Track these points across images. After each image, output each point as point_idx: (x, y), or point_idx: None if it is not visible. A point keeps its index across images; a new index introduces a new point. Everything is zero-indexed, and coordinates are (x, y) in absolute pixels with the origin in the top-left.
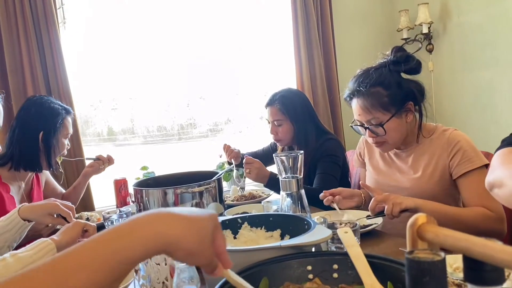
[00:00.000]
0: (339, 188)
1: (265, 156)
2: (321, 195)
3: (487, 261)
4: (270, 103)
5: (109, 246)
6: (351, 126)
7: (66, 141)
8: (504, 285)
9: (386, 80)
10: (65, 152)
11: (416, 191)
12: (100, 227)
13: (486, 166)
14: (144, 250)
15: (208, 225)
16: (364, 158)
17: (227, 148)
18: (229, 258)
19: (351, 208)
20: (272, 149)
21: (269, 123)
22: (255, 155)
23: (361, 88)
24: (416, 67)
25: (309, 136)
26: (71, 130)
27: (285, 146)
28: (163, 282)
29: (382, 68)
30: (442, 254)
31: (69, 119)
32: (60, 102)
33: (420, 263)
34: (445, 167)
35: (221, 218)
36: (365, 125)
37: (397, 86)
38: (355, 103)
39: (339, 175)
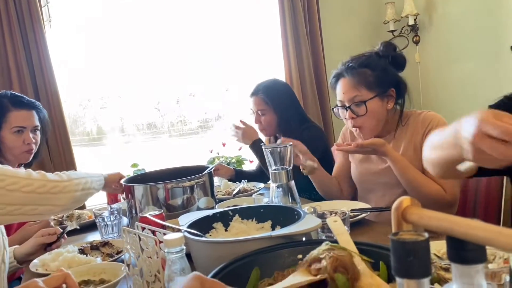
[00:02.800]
0: (297, 141)
1: (253, 176)
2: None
3: (469, 240)
4: (254, 93)
5: None
6: (332, 109)
7: (20, 136)
8: (490, 266)
9: (374, 63)
10: (32, 146)
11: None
12: (91, 225)
13: None
14: None
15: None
16: None
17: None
18: None
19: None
20: (258, 170)
21: (253, 113)
22: (245, 174)
23: (351, 64)
24: (401, 61)
25: (292, 125)
26: (24, 124)
27: (270, 136)
28: (155, 275)
29: (372, 54)
30: (426, 234)
31: (20, 113)
32: (9, 95)
33: (404, 244)
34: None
35: (212, 212)
36: (347, 105)
37: (382, 70)
38: (341, 83)
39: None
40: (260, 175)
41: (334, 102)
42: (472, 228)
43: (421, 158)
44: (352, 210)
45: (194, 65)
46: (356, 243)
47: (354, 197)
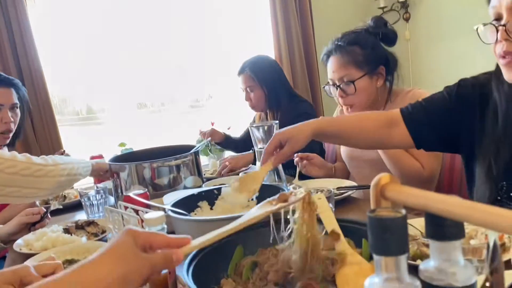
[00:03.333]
0: (313, 155)
1: (242, 142)
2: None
3: (446, 216)
4: (241, 71)
5: None
6: (323, 87)
7: None
8: (472, 242)
9: (363, 41)
10: (11, 125)
11: None
12: (78, 204)
13: None
14: None
15: (127, 244)
16: None
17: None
18: (177, 240)
19: (317, 177)
20: (243, 138)
21: (243, 91)
22: (233, 140)
23: (340, 43)
24: (392, 37)
25: (281, 100)
26: (1, 101)
27: (260, 112)
28: None
29: (362, 30)
30: (403, 211)
31: None
32: None
33: (381, 221)
34: None
35: (197, 190)
36: (337, 83)
37: (372, 48)
38: (331, 61)
39: None
40: (243, 144)
41: (324, 77)
42: (449, 204)
43: None
44: (338, 188)
45: (185, 44)
46: (339, 220)
47: None
